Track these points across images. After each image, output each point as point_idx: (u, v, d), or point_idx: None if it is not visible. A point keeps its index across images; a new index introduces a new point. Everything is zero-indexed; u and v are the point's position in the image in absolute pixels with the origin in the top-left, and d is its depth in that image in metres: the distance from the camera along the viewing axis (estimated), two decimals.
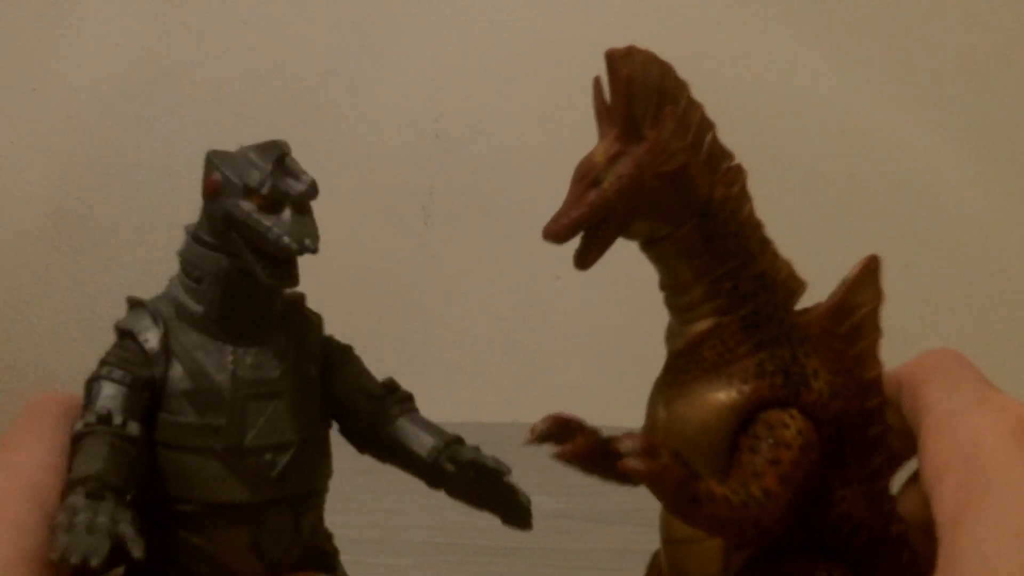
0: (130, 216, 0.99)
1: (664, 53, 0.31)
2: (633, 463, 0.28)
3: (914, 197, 0.92)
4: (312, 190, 0.34)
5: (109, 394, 0.33)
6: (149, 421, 0.34)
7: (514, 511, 0.35)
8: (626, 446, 0.28)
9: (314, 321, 0.37)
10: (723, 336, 0.31)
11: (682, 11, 0.91)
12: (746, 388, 0.31)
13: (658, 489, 0.29)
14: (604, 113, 0.32)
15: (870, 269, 0.33)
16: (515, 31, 0.94)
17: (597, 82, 0.31)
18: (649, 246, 0.32)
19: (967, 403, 0.28)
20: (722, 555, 0.31)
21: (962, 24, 0.90)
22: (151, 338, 0.34)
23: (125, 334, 0.35)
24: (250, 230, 0.33)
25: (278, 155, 0.33)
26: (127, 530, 0.29)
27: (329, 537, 0.38)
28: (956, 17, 0.90)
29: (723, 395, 0.31)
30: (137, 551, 0.29)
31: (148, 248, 0.98)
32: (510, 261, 0.95)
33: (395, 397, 0.37)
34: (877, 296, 0.33)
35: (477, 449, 0.36)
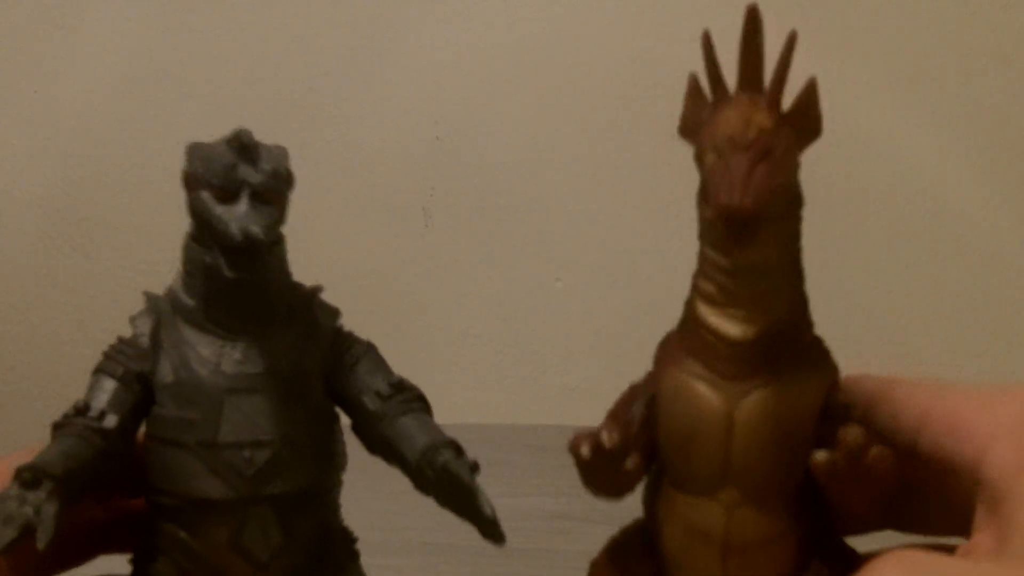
0: (130, 217, 0.99)
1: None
2: (885, 450, 0.27)
3: (914, 197, 0.92)
4: (271, 179, 0.32)
5: (98, 386, 0.34)
6: (144, 414, 0.34)
7: (480, 522, 0.32)
8: (854, 437, 0.27)
9: (325, 316, 0.36)
10: (796, 316, 0.30)
11: (680, 13, 0.91)
12: (828, 364, 0.30)
13: (885, 471, 0.28)
14: (748, 75, 0.30)
15: None
16: (516, 34, 0.94)
17: (708, 39, 0.30)
18: (764, 225, 0.28)
19: (975, 393, 0.29)
20: (798, 551, 0.30)
21: (962, 24, 0.90)
22: (144, 332, 0.34)
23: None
24: (205, 221, 0.33)
25: (238, 144, 0.32)
26: (45, 520, 0.29)
27: (350, 541, 0.37)
28: (956, 17, 0.90)
29: (816, 378, 0.29)
30: (40, 542, 0.29)
31: (148, 249, 0.98)
32: (510, 263, 0.95)
33: (402, 396, 0.35)
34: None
35: (459, 455, 0.33)
